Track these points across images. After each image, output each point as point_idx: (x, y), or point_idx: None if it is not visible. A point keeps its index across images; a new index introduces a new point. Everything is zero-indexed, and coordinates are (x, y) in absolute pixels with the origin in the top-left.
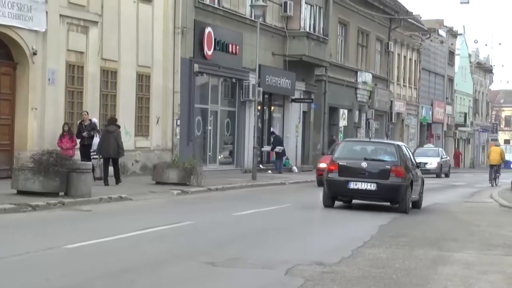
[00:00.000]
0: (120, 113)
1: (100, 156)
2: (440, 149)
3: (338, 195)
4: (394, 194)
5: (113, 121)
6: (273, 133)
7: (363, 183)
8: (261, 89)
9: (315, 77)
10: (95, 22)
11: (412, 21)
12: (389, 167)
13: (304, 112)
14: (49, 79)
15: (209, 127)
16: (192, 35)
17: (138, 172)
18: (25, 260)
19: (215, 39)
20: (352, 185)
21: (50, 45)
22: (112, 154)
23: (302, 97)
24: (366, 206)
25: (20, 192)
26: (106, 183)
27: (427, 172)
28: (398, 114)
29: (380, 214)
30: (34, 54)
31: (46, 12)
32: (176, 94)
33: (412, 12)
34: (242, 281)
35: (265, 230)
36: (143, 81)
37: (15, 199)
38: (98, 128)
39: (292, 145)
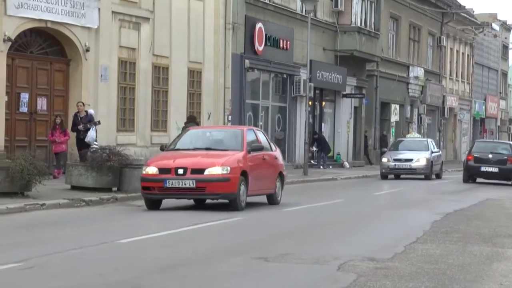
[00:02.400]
0: (171, 109)
1: None
2: (430, 140)
3: (473, 175)
4: (509, 174)
5: (192, 119)
6: (316, 133)
7: (489, 167)
8: (312, 84)
9: (366, 72)
10: (147, 19)
11: (465, 15)
12: (506, 157)
13: (355, 108)
14: (101, 76)
15: (260, 123)
16: (243, 31)
17: None
18: (79, 255)
19: (265, 35)
20: (483, 169)
21: (103, 42)
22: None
23: (353, 92)
24: (419, 202)
25: (74, 188)
26: None
27: (411, 172)
28: (451, 109)
29: (432, 210)
30: (87, 50)
31: (99, 9)
32: (227, 90)
33: (464, 6)
34: (294, 277)
35: (316, 225)
36: (194, 77)
37: (69, 194)
38: (94, 120)
39: (344, 140)
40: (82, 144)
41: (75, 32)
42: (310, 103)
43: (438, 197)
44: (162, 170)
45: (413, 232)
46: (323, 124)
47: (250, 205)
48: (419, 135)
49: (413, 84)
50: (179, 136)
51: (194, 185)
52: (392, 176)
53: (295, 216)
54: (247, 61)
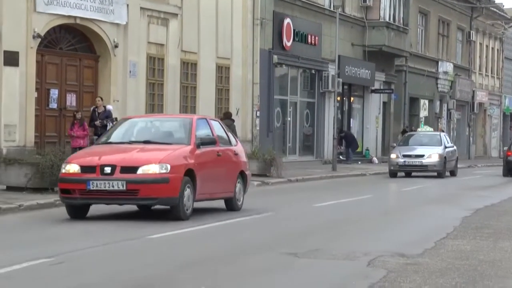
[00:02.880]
0: (200, 105)
1: None
2: (443, 134)
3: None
4: None
5: (228, 115)
6: (342, 131)
7: None
8: (340, 80)
9: (395, 67)
10: (175, 15)
11: (494, 9)
12: None
13: (384, 103)
14: (130, 72)
15: (289, 118)
16: (271, 26)
17: None
18: (109, 250)
19: (294, 30)
20: None
21: (131, 38)
22: None
23: (382, 87)
24: (448, 198)
25: None
26: None
27: (422, 169)
28: (480, 104)
29: (462, 206)
30: (116, 46)
31: (127, 5)
32: (255, 86)
33: (494, 1)
34: (324, 272)
35: (346, 221)
36: (222, 72)
37: None
38: (112, 116)
39: (372, 136)
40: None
41: (104, 28)
42: (339, 98)
43: (468, 193)
44: (85, 169)
45: (443, 228)
46: (351, 120)
47: (282, 201)
48: (431, 129)
49: (442, 79)
50: (113, 127)
51: (124, 187)
52: (403, 174)
53: (324, 211)
54: (275, 57)
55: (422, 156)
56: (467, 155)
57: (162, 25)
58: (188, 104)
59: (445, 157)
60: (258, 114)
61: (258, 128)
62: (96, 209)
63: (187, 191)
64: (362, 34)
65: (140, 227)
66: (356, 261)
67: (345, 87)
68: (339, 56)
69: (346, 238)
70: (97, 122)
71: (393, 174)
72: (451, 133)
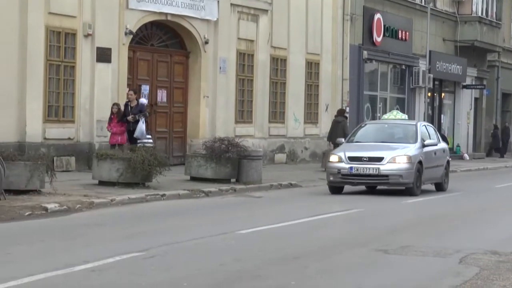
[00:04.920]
0: (289, 101)
1: (330, 143)
2: (423, 124)
3: None
4: None
5: (341, 112)
6: None
7: None
8: (431, 75)
9: (487, 62)
10: (265, 11)
11: None
12: None
13: (475, 99)
14: (220, 68)
15: (378, 114)
16: (361, 22)
17: (307, 159)
18: (199, 245)
19: (384, 26)
20: None
21: (221, 34)
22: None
23: (473, 83)
24: None
25: (193, 178)
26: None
27: (381, 181)
28: None
29: None
30: (206, 43)
31: (218, 1)
32: (345, 81)
33: None
34: (415, 269)
35: (436, 217)
36: (312, 68)
37: (189, 185)
38: (146, 111)
39: (463, 132)
40: (132, 138)
41: (195, 24)
42: (429, 94)
43: None
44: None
45: None
46: (442, 116)
47: (369, 197)
48: (403, 116)
49: None
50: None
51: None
52: (351, 187)
53: (415, 208)
54: (365, 52)
55: (379, 160)
56: None
57: (252, 21)
58: (277, 100)
59: (420, 162)
60: (347, 110)
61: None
62: (193, 204)
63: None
64: (454, 29)
65: (233, 222)
66: (448, 258)
67: (436, 82)
68: (430, 51)
69: (437, 235)
70: (129, 118)
71: (334, 190)
72: None
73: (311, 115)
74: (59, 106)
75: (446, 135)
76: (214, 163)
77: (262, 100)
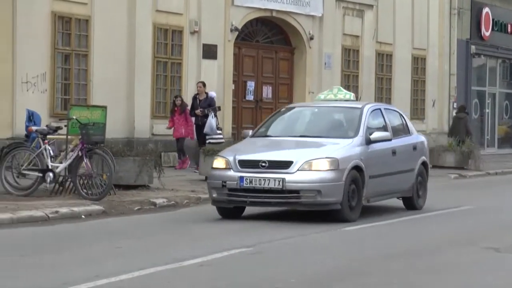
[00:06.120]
0: (395, 96)
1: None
2: (376, 106)
3: None
4: None
5: (463, 108)
6: None
7: None
8: None
9: None
10: (371, 6)
11: None
12: None
13: None
14: (325, 63)
15: (487, 110)
16: (469, 16)
17: None
18: (303, 241)
19: (493, 20)
20: None
21: (326, 30)
22: (461, 138)
23: None
24: None
25: None
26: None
27: (282, 200)
28: None
29: None
30: (311, 39)
31: None
32: (452, 77)
33: None
34: None
35: None
36: (418, 63)
37: None
38: (215, 105)
39: None
40: (200, 133)
41: (300, 20)
42: None
43: None
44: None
45: None
46: None
47: (480, 195)
48: (350, 95)
49: None
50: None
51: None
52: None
53: None
54: (473, 47)
55: (285, 165)
56: None
57: (357, 17)
58: (383, 95)
59: (357, 168)
60: (455, 106)
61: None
62: None
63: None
64: None
65: (334, 220)
66: None
67: None
68: None
69: None
70: (198, 111)
71: (223, 212)
72: None
73: (417, 111)
74: (166, 103)
75: None
76: None
77: (368, 95)
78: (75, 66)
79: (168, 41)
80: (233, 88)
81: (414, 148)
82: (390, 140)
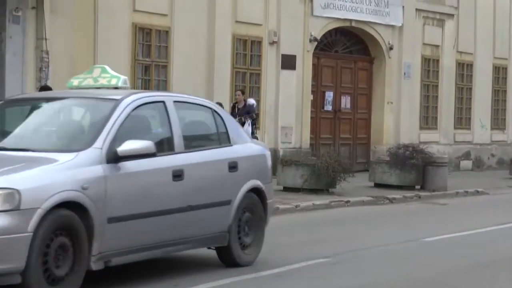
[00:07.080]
0: (475, 106)
1: None
2: (147, 96)
3: None
4: None
5: None
6: None
7: None
8: None
9: None
10: (451, 15)
11: None
12: None
13: None
14: (404, 73)
15: None
16: None
17: (494, 166)
18: (384, 252)
19: None
20: None
21: (406, 40)
22: None
23: None
24: None
25: (377, 185)
26: None
27: None
28: None
29: None
30: (391, 48)
31: (403, 6)
32: None
33: None
34: None
35: None
36: (499, 73)
37: (373, 191)
38: (255, 112)
39: None
40: None
41: (379, 30)
42: None
43: None
44: None
45: None
46: None
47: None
48: (122, 81)
49: None
50: None
51: None
52: None
53: None
54: None
55: None
56: None
57: (437, 26)
58: (463, 105)
59: (75, 207)
60: None
61: None
62: (377, 210)
63: None
64: None
65: (418, 230)
66: None
67: None
68: None
69: None
70: (236, 120)
71: None
72: None
73: (498, 121)
74: None
75: None
76: (398, 170)
77: (447, 105)
78: (155, 77)
79: (247, 51)
80: (312, 98)
81: (232, 167)
82: (153, 154)
